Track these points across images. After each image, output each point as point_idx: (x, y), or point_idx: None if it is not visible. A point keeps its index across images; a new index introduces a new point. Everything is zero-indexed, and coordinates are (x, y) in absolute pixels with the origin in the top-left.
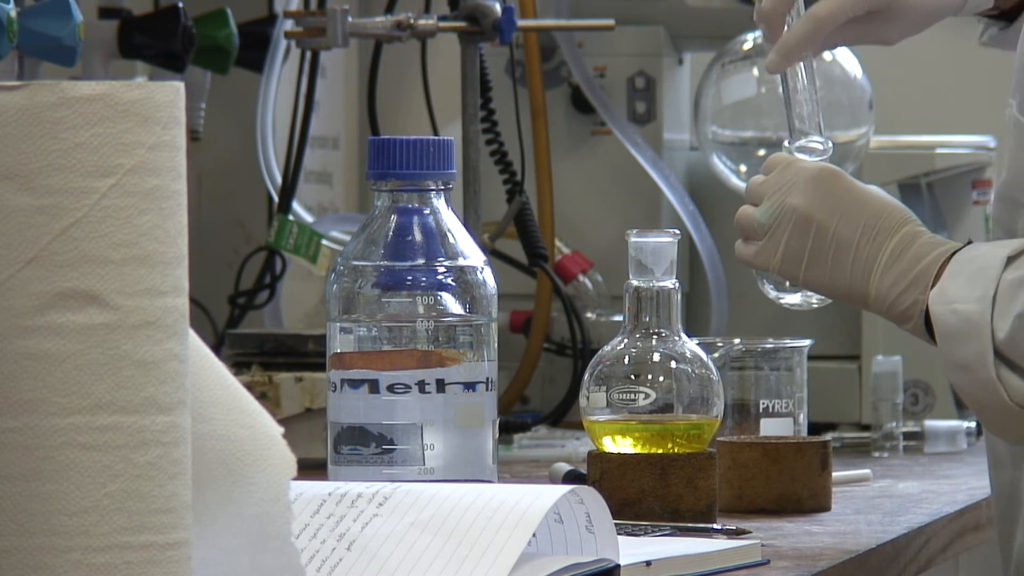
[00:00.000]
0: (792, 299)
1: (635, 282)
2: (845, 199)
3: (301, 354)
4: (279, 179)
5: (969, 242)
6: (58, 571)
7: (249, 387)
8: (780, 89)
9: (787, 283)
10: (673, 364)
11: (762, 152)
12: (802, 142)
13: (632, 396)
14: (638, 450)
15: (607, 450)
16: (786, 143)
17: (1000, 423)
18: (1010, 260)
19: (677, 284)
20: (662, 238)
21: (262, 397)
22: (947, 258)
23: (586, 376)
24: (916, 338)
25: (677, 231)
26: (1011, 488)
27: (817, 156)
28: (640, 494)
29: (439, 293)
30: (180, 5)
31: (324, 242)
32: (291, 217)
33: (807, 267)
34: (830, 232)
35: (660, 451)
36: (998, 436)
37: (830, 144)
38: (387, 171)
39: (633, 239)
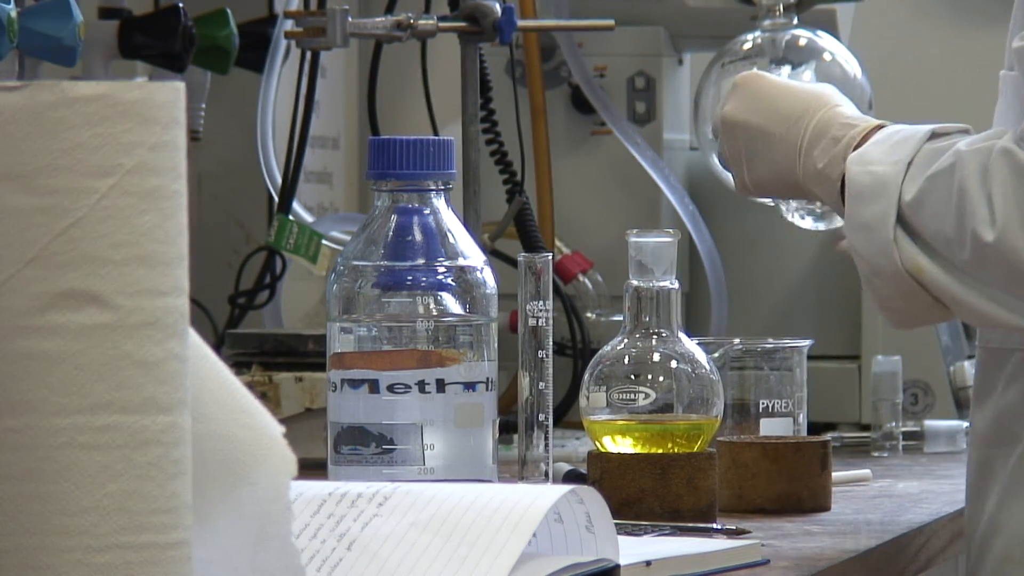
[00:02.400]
0: (808, 224)
1: (635, 282)
2: (762, 96)
3: (301, 354)
4: (279, 179)
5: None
6: (58, 571)
7: (249, 387)
8: None
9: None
10: (673, 364)
11: None
12: None
13: (632, 396)
14: (638, 450)
15: (607, 450)
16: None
17: (887, 291)
18: (935, 135)
19: (677, 284)
20: (662, 238)
21: (262, 397)
22: (871, 129)
23: (586, 376)
24: (915, 338)
25: (677, 231)
26: (985, 465)
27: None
28: (640, 494)
29: (439, 293)
30: (180, 5)
31: (324, 242)
32: (291, 217)
33: (748, 169)
34: (755, 129)
35: (660, 451)
36: (887, 315)
37: None
38: (387, 171)
39: (633, 239)
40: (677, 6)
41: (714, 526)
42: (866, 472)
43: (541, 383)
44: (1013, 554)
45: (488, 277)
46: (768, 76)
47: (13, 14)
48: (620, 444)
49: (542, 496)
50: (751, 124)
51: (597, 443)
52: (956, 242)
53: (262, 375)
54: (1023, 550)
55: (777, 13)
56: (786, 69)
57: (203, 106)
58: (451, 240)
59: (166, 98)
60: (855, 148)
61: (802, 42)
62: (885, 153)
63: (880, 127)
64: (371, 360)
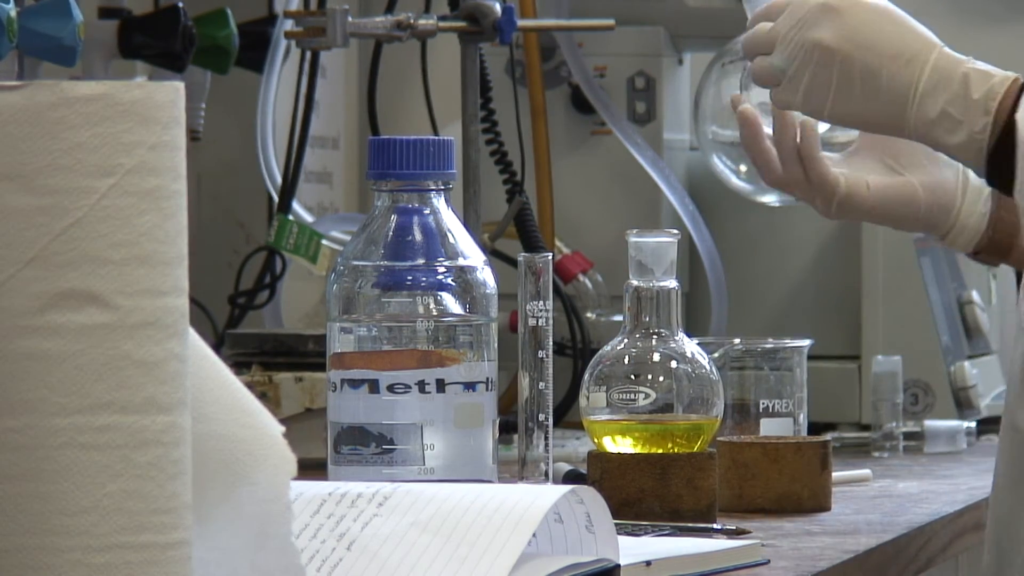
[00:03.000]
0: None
1: (635, 282)
2: (868, 28)
3: (301, 354)
4: (279, 179)
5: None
6: (58, 571)
7: (249, 387)
8: None
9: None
10: (673, 364)
11: None
12: None
13: (632, 396)
14: (638, 450)
15: (607, 450)
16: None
17: None
18: None
19: (677, 284)
20: (662, 238)
21: (262, 397)
22: (1012, 82)
23: (586, 376)
24: (915, 338)
25: (677, 231)
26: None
27: None
28: (640, 494)
29: (439, 293)
30: (180, 5)
31: (324, 242)
32: (291, 217)
33: (834, 101)
34: (854, 62)
35: (660, 451)
36: None
37: None
38: (387, 171)
39: (633, 239)
40: (677, 6)
41: (714, 526)
42: (866, 472)
43: (541, 383)
44: None
45: (488, 277)
46: (860, 1)
47: (13, 14)
48: (620, 444)
49: (542, 496)
50: (853, 57)
51: (597, 443)
52: None
53: (262, 375)
54: None
55: None
56: None
57: (203, 106)
58: (451, 240)
59: (166, 98)
60: (1003, 100)
61: None
62: None
63: (1017, 79)
64: (371, 360)
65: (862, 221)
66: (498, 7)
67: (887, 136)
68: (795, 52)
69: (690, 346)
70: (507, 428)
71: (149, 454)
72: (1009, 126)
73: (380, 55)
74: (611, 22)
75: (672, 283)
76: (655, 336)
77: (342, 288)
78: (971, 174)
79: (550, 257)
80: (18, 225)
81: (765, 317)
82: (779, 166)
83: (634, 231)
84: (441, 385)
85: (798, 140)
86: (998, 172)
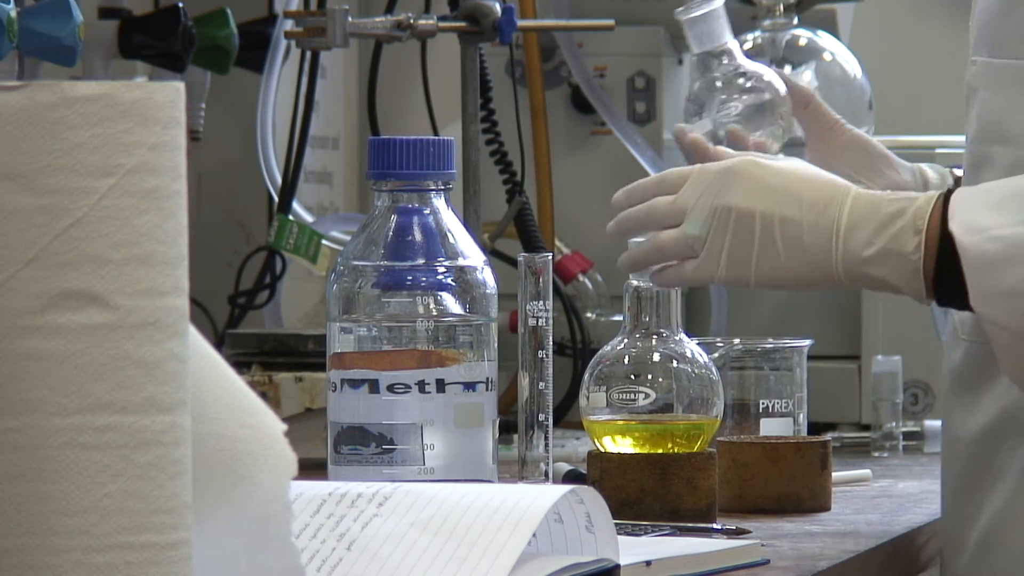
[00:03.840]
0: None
1: (635, 282)
2: (774, 184)
3: (301, 354)
4: (279, 179)
5: (951, 189)
6: (58, 571)
7: (249, 387)
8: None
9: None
10: (673, 364)
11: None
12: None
13: (632, 396)
14: (638, 450)
15: (607, 450)
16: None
17: None
18: None
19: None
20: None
21: (262, 397)
22: (930, 214)
23: (586, 376)
24: (915, 338)
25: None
26: (983, 461)
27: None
28: (640, 494)
29: (439, 293)
30: (180, 5)
31: (324, 242)
32: (291, 217)
33: (757, 263)
34: (773, 218)
35: (660, 451)
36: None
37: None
38: (387, 171)
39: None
40: (677, 6)
41: (714, 526)
42: (866, 472)
43: (541, 383)
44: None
45: (488, 277)
46: (767, 162)
47: (13, 14)
48: (620, 444)
49: (542, 496)
50: (771, 213)
51: (597, 443)
52: None
53: (262, 375)
54: None
55: (777, 13)
56: (787, 69)
57: (203, 106)
58: (451, 240)
59: (166, 98)
60: (932, 218)
61: (802, 42)
62: (997, 215)
63: (945, 194)
64: (371, 360)
65: None
66: (498, 7)
67: (844, 148)
68: (709, 219)
69: (690, 346)
70: (507, 428)
71: (149, 454)
72: (945, 240)
73: (380, 55)
74: (611, 22)
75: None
76: (655, 336)
77: (342, 288)
78: (930, 176)
79: (550, 257)
80: (18, 225)
81: (765, 317)
82: None
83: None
84: (441, 385)
85: None
86: (945, 290)
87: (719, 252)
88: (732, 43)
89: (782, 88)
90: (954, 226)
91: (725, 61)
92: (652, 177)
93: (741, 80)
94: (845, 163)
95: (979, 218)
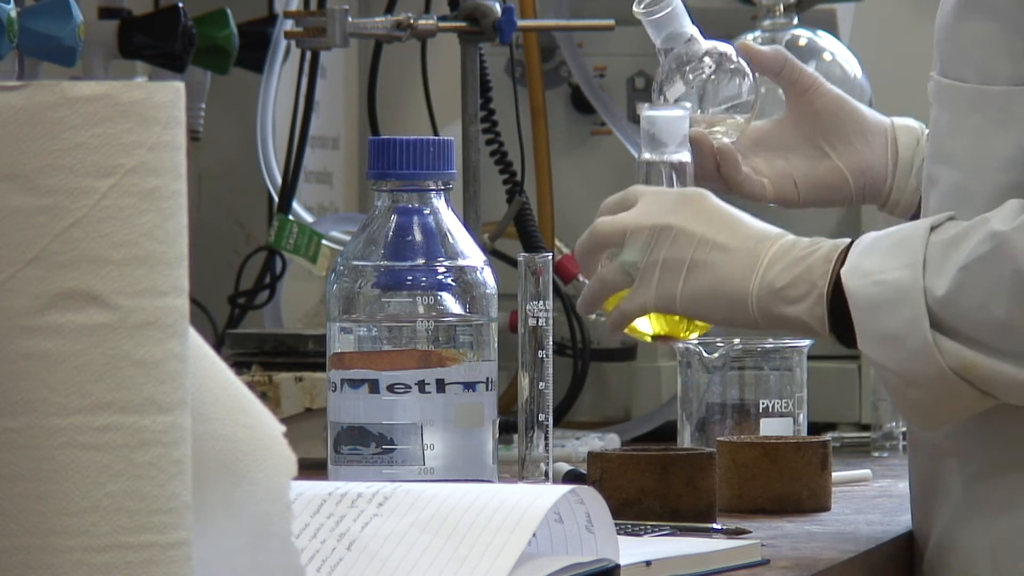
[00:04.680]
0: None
1: (648, 155)
2: (719, 213)
3: (301, 354)
4: (279, 179)
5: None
6: (58, 571)
7: (249, 387)
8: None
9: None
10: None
11: None
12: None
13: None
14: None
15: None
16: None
17: (926, 402)
18: (933, 228)
19: (690, 158)
20: (675, 111)
21: (262, 397)
22: (842, 249)
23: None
24: None
25: (689, 104)
26: (933, 477)
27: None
28: (640, 494)
29: (439, 293)
30: (180, 5)
31: (324, 242)
32: (291, 217)
33: (686, 279)
34: (708, 241)
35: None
36: (917, 421)
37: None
38: (387, 171)
39: (646, 112)
40: None
41: (714, 526)
42: (866, 472)
43: (541, 383)
44: (975, 573)
45: (488, 277)
46: (717, 200)
47: (13, 14)
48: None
49: (542, 496)
50: (706, 236)
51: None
52: (1013, 326)
53: (262, 375)
54: (985, 569)
55: (777, 13)
56: None
57: (203, 106)
58: (451, 240)
59: (166, 98)
60: (836, 264)
61: (802, 42)
62: (885, 260)
63: (851, 243)
64: (371, 360)
65: None
66: (498, 7)
67: (817, 113)
68: (648, 240)
69: None
70: (507, 428)
71: (149, 454)
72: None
73: (380, 55)
74: (611, 22)
75: (686, 156)
76: None
77: (342, 288)
78: (900, 146)
79: (550, 257)
80: (18, 225)
81: None
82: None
83: (646, 104)
84: (441, 385)
85: (718, 168)
86: (842, 331)
87: (653, 269)
88: (692, 29)
89: (748, 69)
90: (844, 270)
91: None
92: (614, 198)
93: (706, 58)
94: (818, 130)
95: (867, 262)
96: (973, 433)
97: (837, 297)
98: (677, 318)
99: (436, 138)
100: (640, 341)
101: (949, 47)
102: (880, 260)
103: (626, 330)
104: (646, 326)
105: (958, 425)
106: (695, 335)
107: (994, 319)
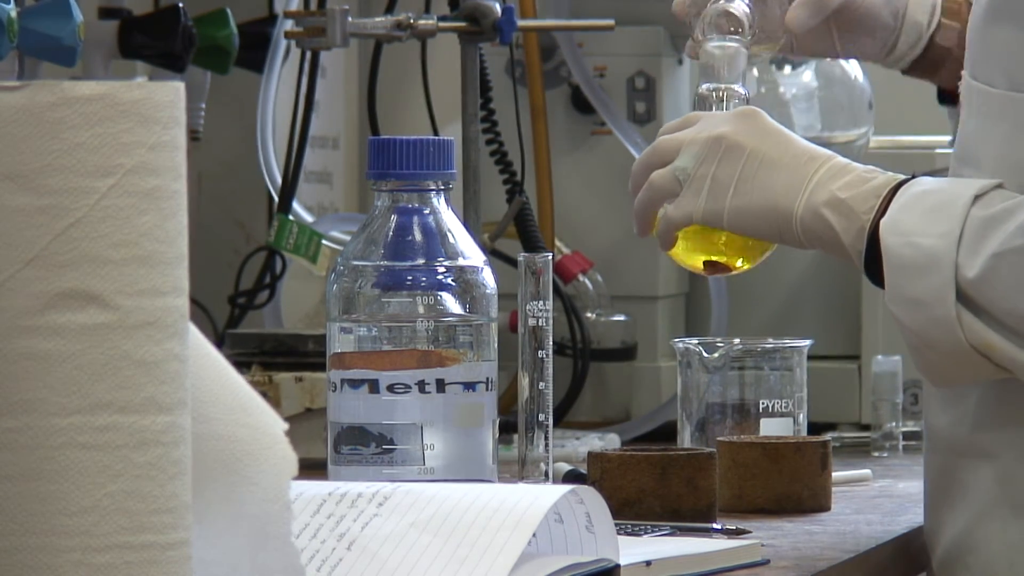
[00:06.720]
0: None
1: (705, 86)
2: (772, 130)
3: (301, 354)
4: (279, 179)
5: (914, 175)
6: (58, 571)
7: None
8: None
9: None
10: None
11: None
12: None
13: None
14: None
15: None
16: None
17: (943, 364)
18: (977, 198)
19: (746, 91)
20: (731, 43)
21: (262, 397)
22: (892, 188)
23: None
24: None
25: (745, 38)
26: (950, 475)
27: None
28: (640, 494)
29: (439, 293)
30: (180, 5)
31: (324, 242)
32: (291, 217)
33: (734, 193)
34: (759, 155)
35: None
36: (932, 379)
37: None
38: (387, 171)
39: (706, 46)
40: None
41: (714, 526)
42: (866, 472)
43: (541, 383)
44: (991, 573)
45: (488, 277)
46: (770, 119)
47: (13, 14)
48: None
49: (542, 496)
50: (758, 150)
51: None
52: None
53: (262, 375)
54: (1003, 571)
55: None
56: (787, 69)
57: (203, 106)
58: (451, 240)
59: (166, 98)
60: (883, 202)
61: None
62: (924, 222)
63: (903, 183)
64: (371, 360)
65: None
66: (498, 7)
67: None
68: (701, 151)
69: None
70: (507, 428)
71: (149, 454)
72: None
73: (380, 55)
74: (611, 22)
75: (741, 89)
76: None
77: (342, 288)
78: (908, 20)
79: (550, 257)
80: (18, 225)
81: (765, 317)
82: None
83: (712, 37)
84: (441, 385)
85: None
86: (874, 270)
87: (703, 181)
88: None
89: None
90: (884, 221)
91: None
92: (675, 121)
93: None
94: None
95: (906, 220)
96: (994, 433)
97: (873, 238)
98: (723, 243)
99: (436, 138)
100: (643, 340)
101: (979, 50)
102: (919, 221)
103: (677, 259)
104: (695, 254)
105: (976, 412)
106: (742, 264)
107: (1020, 311)
